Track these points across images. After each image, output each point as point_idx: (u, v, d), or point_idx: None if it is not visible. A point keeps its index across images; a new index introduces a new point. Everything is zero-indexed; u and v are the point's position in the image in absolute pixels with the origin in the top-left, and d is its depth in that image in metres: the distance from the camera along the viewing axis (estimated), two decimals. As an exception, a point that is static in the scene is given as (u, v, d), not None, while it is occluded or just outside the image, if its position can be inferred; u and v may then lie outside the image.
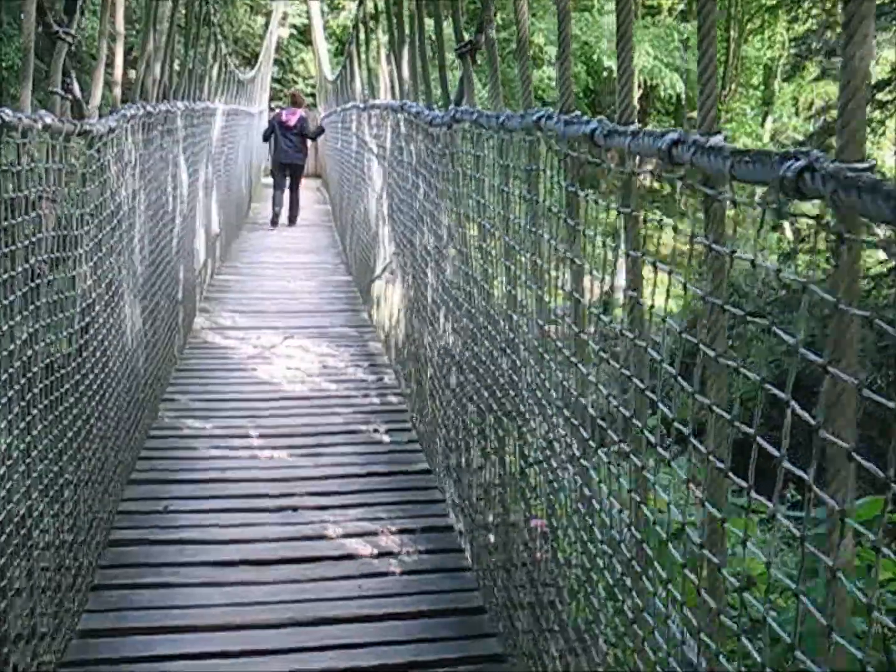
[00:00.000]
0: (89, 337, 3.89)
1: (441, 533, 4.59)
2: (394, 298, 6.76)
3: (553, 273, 2.72)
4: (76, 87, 3.66)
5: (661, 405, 1.95)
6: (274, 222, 14.72)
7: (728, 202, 1.63)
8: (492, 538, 3.92)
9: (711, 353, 1.68)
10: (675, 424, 1.83)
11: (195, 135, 8.34)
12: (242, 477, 5.17)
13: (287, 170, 14.28)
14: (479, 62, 3.89)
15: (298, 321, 8.79)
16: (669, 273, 1.87)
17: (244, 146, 15.18)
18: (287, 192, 14.61)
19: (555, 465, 2.86)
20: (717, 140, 1.58)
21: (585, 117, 2.31)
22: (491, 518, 3.98)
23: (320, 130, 15.57)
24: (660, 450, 1.98)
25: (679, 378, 1.80)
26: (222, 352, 7.75)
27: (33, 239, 2.97)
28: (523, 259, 3.08)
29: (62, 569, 3.66)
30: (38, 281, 3.00)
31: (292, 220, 14.88)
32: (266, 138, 14.91)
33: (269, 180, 15.73)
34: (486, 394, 3.80)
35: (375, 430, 5.89)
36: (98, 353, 4.11)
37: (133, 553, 4.35)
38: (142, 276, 5.40)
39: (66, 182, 3.20)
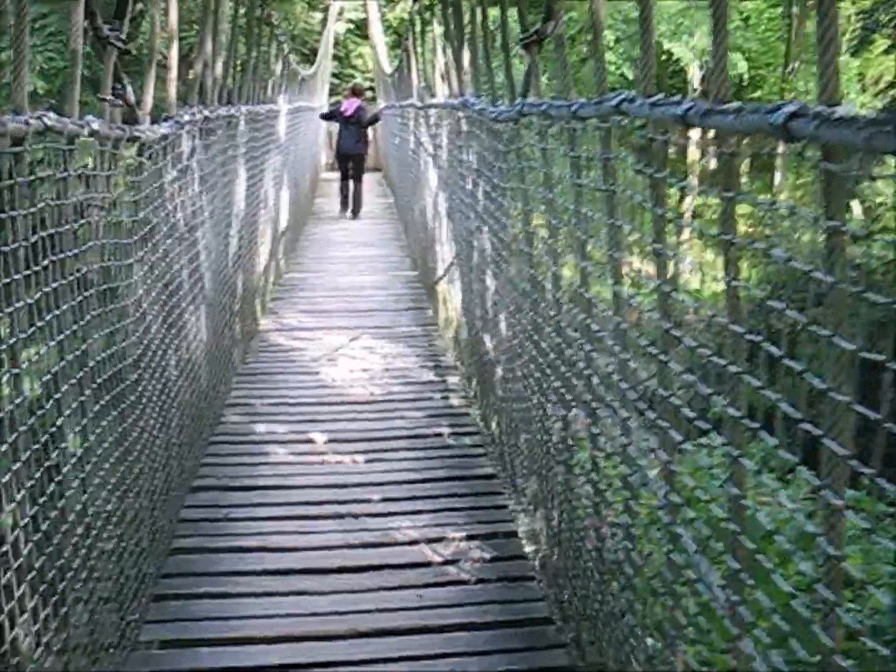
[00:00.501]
0: (146, 346, 3.85)
1: (506, 539, 4.47)
2: (456, 299, 6.65)
3: (637, 265, 2.59)
4: (130, 93, 3.62)
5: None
6: (343, 207, 14.97)
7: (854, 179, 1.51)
8: (559, 543, 3.79)
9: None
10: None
11: (259, 138, 8.32)
12: (304, 483, 5.11)
13: (348, 161, 14.51)
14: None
15: (365, 320, 8.72)
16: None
17: (308, 143, 15.23)
18: (350, 183, 14.82)
19: (634, 458, 2.71)
20: (846, 109, 1.45)
21: (673, 98, 2.14)
22: (557, 521, 3.85)
23: (374, 119, 15.51)
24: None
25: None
26: (287, 354, 7.71)
27: (82, 247, 2.93)
28: (598, 252, 2.93)
29: (124, 578, 3.63)
30: (87, 292, 2.95)
31: (355, 212, 14.98)
32: (326, 118, 15.48)
33: (330, 175, 16.14)
34: (552, 391, 3.68)
35: (439, 434, 5.78)
36: (158, 362, 4.07)
37: (194, 561, 4.31)
38: (206, 281, 5.37)
39: (117, 189, 3.16)
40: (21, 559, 2.41)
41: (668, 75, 19.60)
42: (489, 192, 4.59)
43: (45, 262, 2.59)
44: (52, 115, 2.45)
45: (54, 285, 2.67)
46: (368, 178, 17.12)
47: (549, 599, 3.91)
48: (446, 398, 6.52)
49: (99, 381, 3.17)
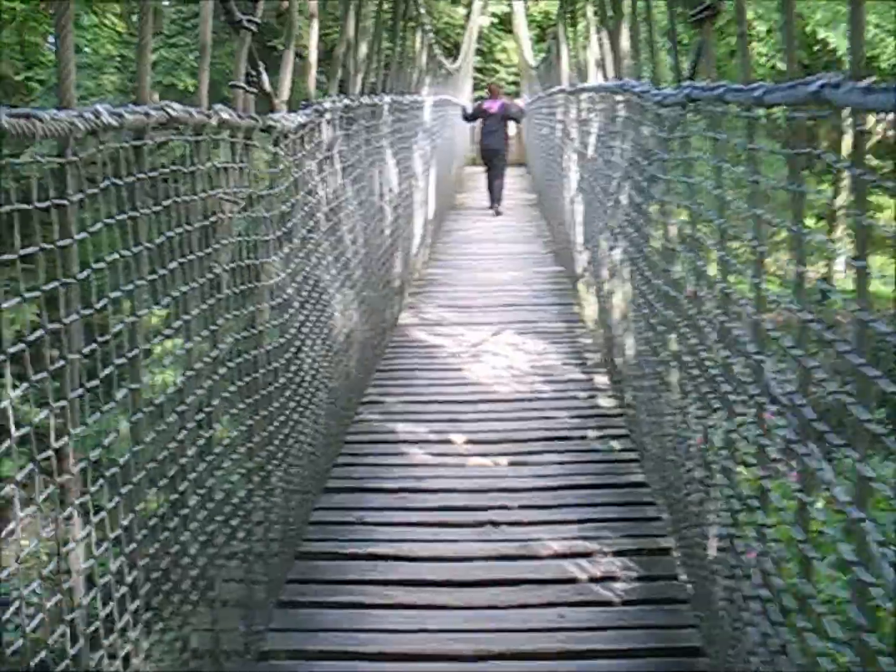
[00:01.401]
0: (289, 344, 3.71)
1: (656, 557, 4.13)
2: (605, 298, 6.29)
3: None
4: (265, 80, 3.46)
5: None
6: (491, 204, 14.93)
7: None
8: (712, 563, 3.44)
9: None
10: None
11: (403, 129, 8.18)
12: (440, 487, 4.89)
13: (491, 156, 14.59)
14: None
15: (506, 316, 8.46)
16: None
17: (451, 136, 15.10)
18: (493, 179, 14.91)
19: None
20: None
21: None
22: (712, 539, 3.51)
23: (521, 112, 15.83)
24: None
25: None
26: (427, 350, 7.52)
27: (214, 245, 2.77)
28: (781, 259, 2.58)
29: (251, 582, 3.49)
30: (220, 293, 2.80)
31: (497, 201, 14.91)
32: (469, 119, 15.44)
33: (471, 169, 16.59)
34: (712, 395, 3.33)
35: (584, 437, 5.47)
36: (298, 364, 3.93)
37: (322, 568, 4.14)
38: (353, 277, 5.22)
39: (250, 182, 2.99)
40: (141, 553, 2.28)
41: (822, 66, 18.62)
42: (649, 183, 4.23)
43: (173, 265, 2.45)
44: (175, 105, 2.29)
45: (184, 289, 2.53)
46: (512, 173, 17.11)
47: (701, 627, 3.56)
48: (593, 398, 6.19)
49: (238, 381, 3.05)
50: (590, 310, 7.25)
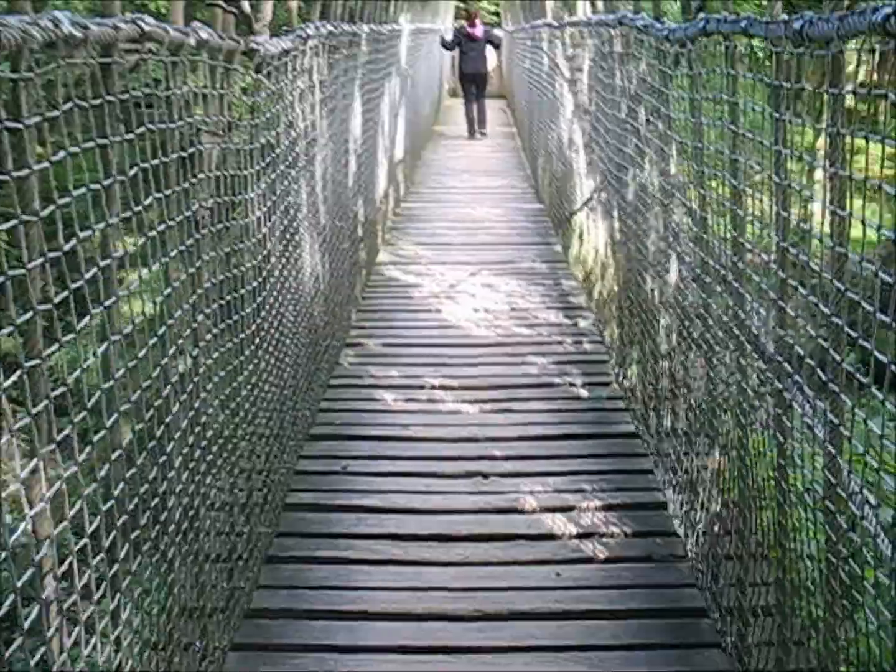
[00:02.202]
0: (264, 288, 3.47)
1: (651, 511, 4.00)
2: (597, 236, 6.07)
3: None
4: (245, 2, 3.17)
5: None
6: (470, 132, 15.21)
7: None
8: (713, 518, 3.31)
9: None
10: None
11: (380, 60, 7.83)
12: (426, 435, 4.72)
13: (474, 82, 14.88)
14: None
15: (486, 254, 8.25)
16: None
17: (430, 65, 14.72)
18: (475, 105, 15.21)
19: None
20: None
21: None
22: (710, 491, 3.37)
23: (500, 40, 16.52)
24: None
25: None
26: (406, 290, 7.30)
27: (192, 180, 2.53)
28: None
29: (235, 535, 3.31)
30: (198, 233, 2.56)
31: (481, 124, 15.31)
32: (449, 47, 15.45)
33: (453, 100, 16.84)
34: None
35: (572, 384, 5.31)
36: (275, 304, 3.71)
37: (309, 520, 3.98)
38: (324, 214, 4.97)
39: (231, 112, 2.72)
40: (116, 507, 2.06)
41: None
42: (652, 121, 4.00)
43: (148, 200, 2.20)
44: (149, 19, 2.01)
45: (161, 228, 2.29)
46: (492, 104, 17.20)
47: (703, 585, 3.43)
48: (578, 343, 6.01)
49: (212, 316, 2.82)
50: (581, 251, 7.03)
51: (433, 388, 5.31)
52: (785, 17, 2.30)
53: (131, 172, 2.02)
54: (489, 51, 15.14)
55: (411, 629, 3.31)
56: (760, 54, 2.75)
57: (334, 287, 5.47)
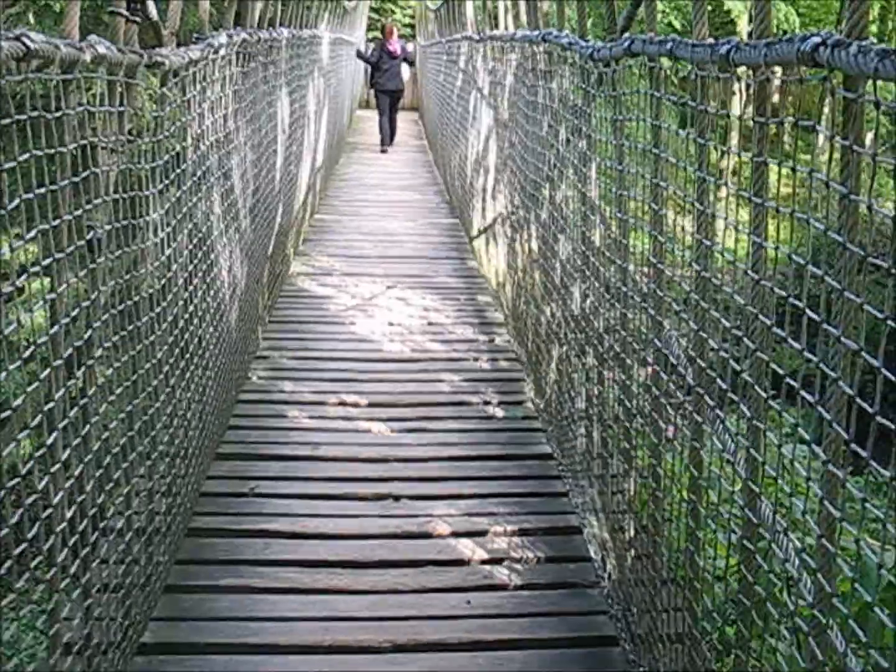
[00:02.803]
0: (169, 306, 3.33)
1: (564, 536, 3.95)
2: (507, 255, 6.03)
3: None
4: (152, 8, 3.02)
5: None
6: (383, 145, 15.42)
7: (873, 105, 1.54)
8: (625, 543, 3.28)
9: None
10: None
11: (300, 66, 7.69)
12: (337, 455, 4.61)
13: (390, 97, 15.09)
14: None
15: (400, 268, 8.17)
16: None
17: (345, 76, 14.60)
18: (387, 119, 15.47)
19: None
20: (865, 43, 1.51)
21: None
22: (624, 514, 3.34)
23: (414, 58, 17.16)
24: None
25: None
26: (319, 301, 7.18)
27: (90, 203, 2.38)
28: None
29: (132, 563, 3.15)
30: (94, 263, 2.41)
31: (391, 138, 15.54)
32: (369, 60, 15.51)
33: (366, 112, 17.47)
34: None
35: (487, 403, 5.26)
36: (182, 319, 3.56)
37: (213, 546, 3.83)
38: (243, 223, 4.82)
39: (132, 128, 2.59)
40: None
41: (716, 26, 18.58)
42: (572, 140, 3.96)
43: (37, 229, 2.04)
44: (35, 35, 1.86)
45: (45, 262, 2.12)
46: (404, 117, 17.63)
47: (616, 613, 3.40)
48: (494, 360, 5.97)
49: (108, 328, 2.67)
50: (490, 269, 6.99)
51: (345, 405, 5.21)
52: (711, 40, 2.27)
53: (12, 205, 1.85)
54: (404, 67, 15.34)
55: (320, 662, 3.20)
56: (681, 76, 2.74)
57: (248, 299, 5.33)
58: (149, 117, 2.62)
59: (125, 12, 2.47)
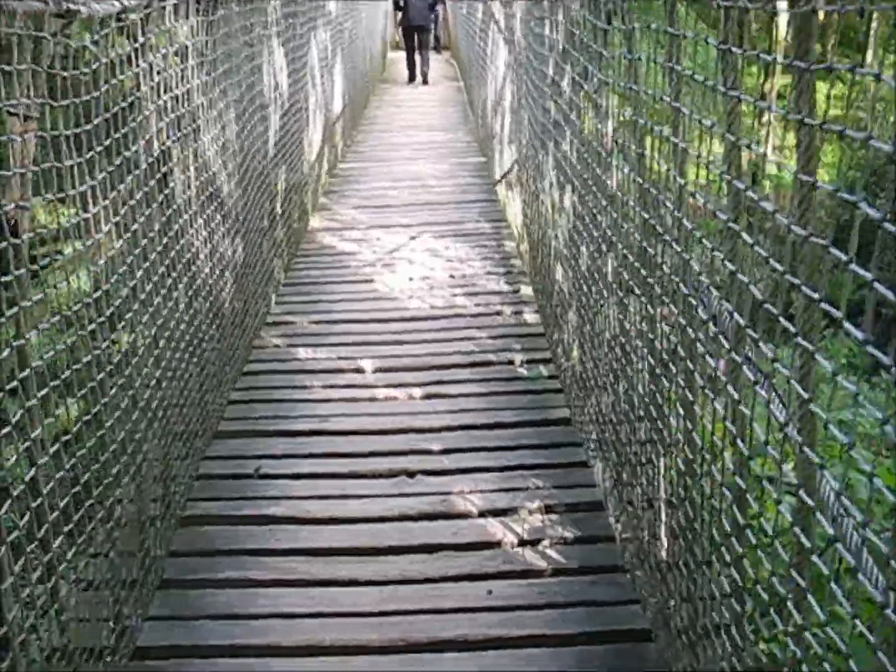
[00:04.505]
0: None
1: (589, 513, 3.62)
2: (525, 205, 5.60)
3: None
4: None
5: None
6: (411, 79, 15.92)
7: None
8: (658, 519, 2.92)
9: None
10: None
11: (300, 13, 7.19)
12: (347, 428, 4.30)
13: (416, 32, 15.38)
14: None
15: (427, 215, 7.79)
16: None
17: (368, 16, 14.07)
18: (417, 56, 15.72)
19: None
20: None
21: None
22: (643, 490, 2.99)
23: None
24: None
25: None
26: (339, 259, 6.84)
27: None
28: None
29: (125, 555, 2.90)
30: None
31: (425, 76, 15.79)
32: (398, 6, 15.85)
33: (394, 55, 17.91)
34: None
35: (510, 362, 4.90)
36: (156, 297, 3.25)
37: (213, 535, 3.56)
38: (227, 188, 4.45)
39: (56, 89, 2.23)
40: None
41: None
42: (580, 81, 3.54)
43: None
44: None
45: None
46: (439, 58, 17.77)
47: (647, 602, 3.06)
48: (519, 313, 5.60)
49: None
50: (510, 216, 6.58)
51: (359, 371, 4.89)
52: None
53: None
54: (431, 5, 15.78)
55: (326, 664, 2.93)
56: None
57: (250, 265, 4.99)
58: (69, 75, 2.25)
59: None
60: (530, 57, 5.10)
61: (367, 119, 12.62)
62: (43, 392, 2.25)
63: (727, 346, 2.18)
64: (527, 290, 5.92)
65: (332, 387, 4.74)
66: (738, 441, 2.16)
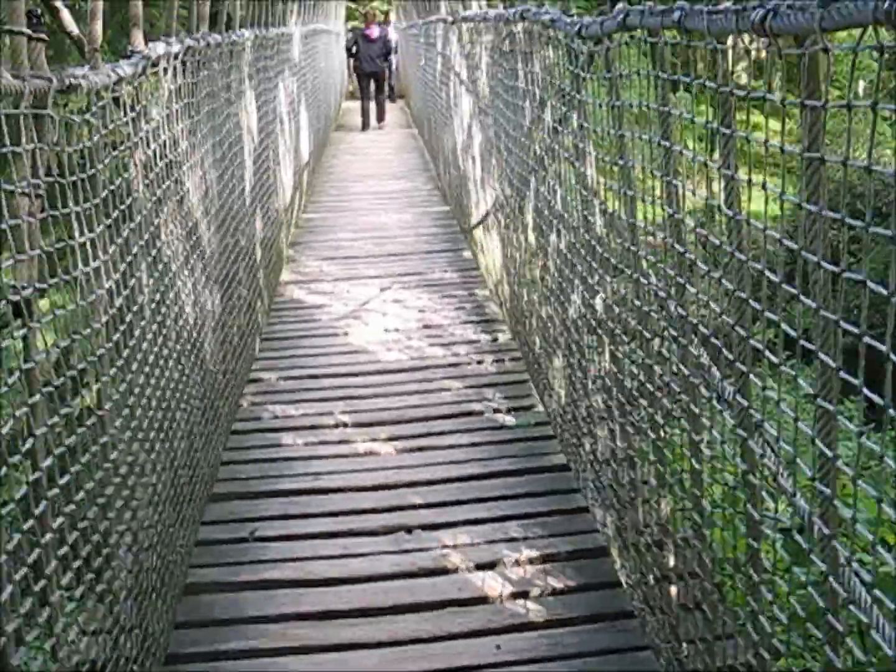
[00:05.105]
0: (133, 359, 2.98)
1: (591, 560, 3.62)
2: (503, 249, 5.63)
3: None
4: (68, 18, 2.58)
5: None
6: (364, 126, 16.41)
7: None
8: (663, 562, 2.93)
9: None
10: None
11: (268, 68, 7.26)
12: (340, 485, 4.27)
13: (371, 78, 16.05)
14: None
15: (394, 266, 7.80)
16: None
17: (326, 68, 14.19)
18: (372, 102, 16.36)
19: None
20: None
21: None
22: (649, 531, 3.00)
23: (396, 47, 18.28)
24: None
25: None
26: (311, 312, 6.83)
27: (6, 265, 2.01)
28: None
29: (125, 631, 2.82)
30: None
31: (381, 118, 16.56)
32: (350, 52, 16.73)
33: (350, 104, 18.56)
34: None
35: (496, 410, 4.90)
36: (144, 367, 3.21)
37: (213, 603, 3.51)
38: (208, 244, 4.44)
39: (55, 166, 2.21)
40: None
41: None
42: (557, 128, 3.60)
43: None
44: None
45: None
46: (390, 105, 17.91)
47: (659, 648, 3.05)
48: (499, 361, 5.62)
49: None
50: (488, 261, 6.61)
51: (344, 426, 4.87)
52: (728, 4, 1.90)
53: None
54: (391, 57, 16.78)
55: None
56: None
57: (231, 318, 4.96)
58: (73, 148, 2.24)
59: (26, 30, 2.08)
60: (499, 105, 5.15)
61: (325, 169, 12.65)
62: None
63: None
64: (504, 338, 5.95)
65: (318, 443, 4.71)
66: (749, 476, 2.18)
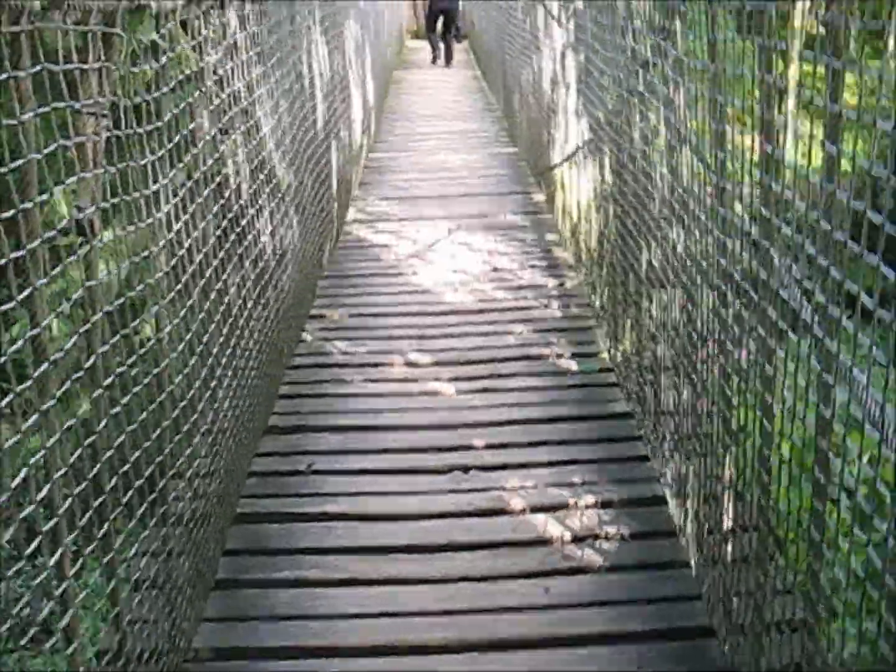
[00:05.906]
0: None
1: (649, 508, 3.57)
2: (586, 189, 5.48)
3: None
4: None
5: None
6: (434, 59, 16.58)
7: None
8: (723, 512, 2.87)
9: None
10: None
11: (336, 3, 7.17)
12: (401, 423, 4.27)
13: (442, 14, 16.20)
14: None
15: (462, 208, 7.72)
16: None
17: (390, 8, 14.07)
18: (440, 40, 16.52)
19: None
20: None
21: None
22: (702, 480, 2.94)
23: None
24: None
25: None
26: (377, 251, 6.80)
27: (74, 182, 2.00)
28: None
29: (179, 556, 2.86)
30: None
31: (449, 58, 16.41)
32: None
33: (415, 43, 18.89)
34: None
35: (560, 356, 4.84)
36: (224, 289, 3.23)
37: (266, 533, 3.54)
38: (285, 174, 4.42)
39: (122, 87, 2.20)
40: None
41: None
42: (661, 63, 3.42)
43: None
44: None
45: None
46: (456, 46, 17.44)
47: (709, 600, 3.00)
48: (566, 307, 5.54)
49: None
50: (565, 205, 6.48)
51: (407, 365, 4.86)
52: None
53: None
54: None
55: (385, 665, 2.90)
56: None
57: (304, 251, 4.96)
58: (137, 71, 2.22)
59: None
60: (590, 40, 4.96)
61: (390, 109, 12.56)
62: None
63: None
64: (572, 283, 5.86)
65: (380, 380, 4.71)
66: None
